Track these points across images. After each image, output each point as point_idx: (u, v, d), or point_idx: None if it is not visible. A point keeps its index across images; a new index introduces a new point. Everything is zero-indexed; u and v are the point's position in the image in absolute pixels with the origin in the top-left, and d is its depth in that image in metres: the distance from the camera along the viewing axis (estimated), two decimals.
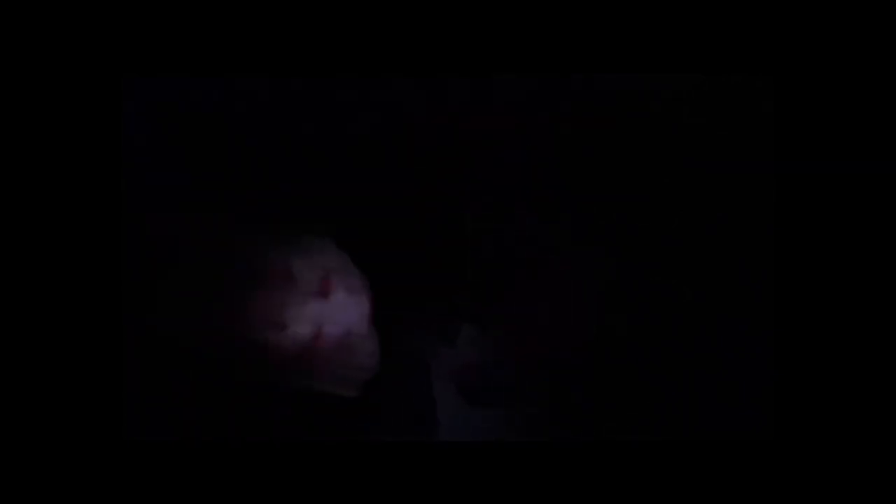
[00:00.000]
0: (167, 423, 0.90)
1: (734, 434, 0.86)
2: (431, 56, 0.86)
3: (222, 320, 1.00)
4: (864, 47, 0.76)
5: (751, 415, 0.86)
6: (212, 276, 1.03)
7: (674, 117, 1.02)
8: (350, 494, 0.84)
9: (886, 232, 0.74)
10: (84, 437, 0.71)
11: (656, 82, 0.97)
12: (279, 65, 0.86)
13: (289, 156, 1.09)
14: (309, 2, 0.83)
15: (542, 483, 0.85)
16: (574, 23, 0.84)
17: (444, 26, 0.85)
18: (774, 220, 0.76)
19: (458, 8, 0.84)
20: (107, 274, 0.73)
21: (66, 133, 0.73)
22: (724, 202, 1.01)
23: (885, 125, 0.75)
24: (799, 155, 0.76)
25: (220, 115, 1.07)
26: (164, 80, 0.93)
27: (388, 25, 0.84)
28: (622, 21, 0.83)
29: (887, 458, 0.71)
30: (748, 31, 0.81)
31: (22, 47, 0.73)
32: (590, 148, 1.05)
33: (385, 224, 1.08)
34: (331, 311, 0.90)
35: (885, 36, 0.75)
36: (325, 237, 0.99)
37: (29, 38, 0.73)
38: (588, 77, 0.95)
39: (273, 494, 0.83)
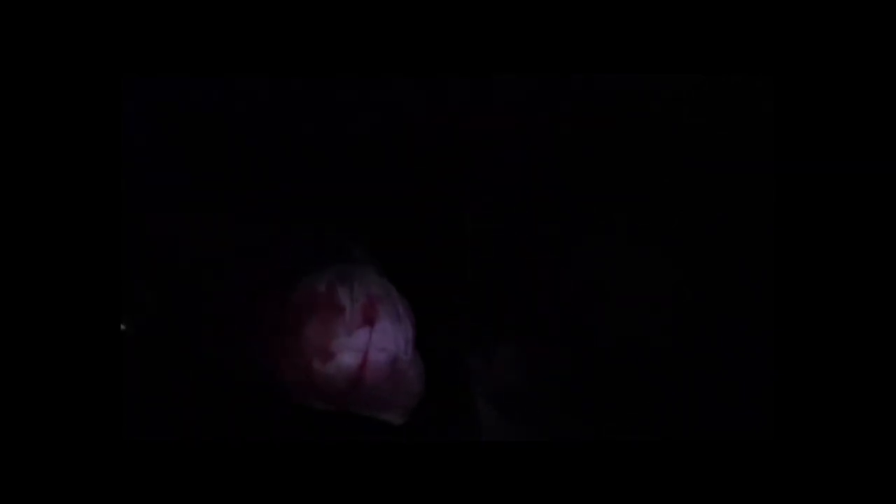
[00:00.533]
0: (167, 423, 0.90)
1: (734, 434, 0.86)
2: (431, 56, 0.86)
3: (223, 320, 1.00)
4: (864, 47, 0.76)
5: (751, 415, 0.86)
6: (212, 276, 1.04)
7: (674, 117, 1.02)
8: (348, 495, 0.84)
9: (886, 232, 0.74)
10: (84, 437, 0.71)
11: (656, 82, 0.97)
12: (279, 65, 0.86)
13: (289, 156, 1.09)
14: (309, 2, 0.83)
15: (542, 483, 0.85)
16: (574, 23, 0.84)
17: (444, 26, 0.84)
18: (774, 220, 0.76)
19: (458, 8, 0.84)
20: (107, 274, 0.73)
21: (66, 133, 0.73)
22: (724, 202, 1.01)
23: (885, 125, 0.75)
24: (799, 155, 0.76)
25: (220, 115, 1.07)
26: (164, 80, 0.93)
27: (388, 25, 0.84)
28: (622, 21, 0.83)
29: (887, 458, 0.71)
30: (748, 31, 0.81)
31: (22, 47, 0.73)
32: (590, 148, 1.05)
33: (385, 224, 1.08)
34: (376, 338, 0.91)
35: (885, 36, 0.75)
36: (367, 264, 1.00)
37: (29, 38, 0.73)
38: (588, 77, 0.95)
39: (273, 494, 0.83)
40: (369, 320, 0.91)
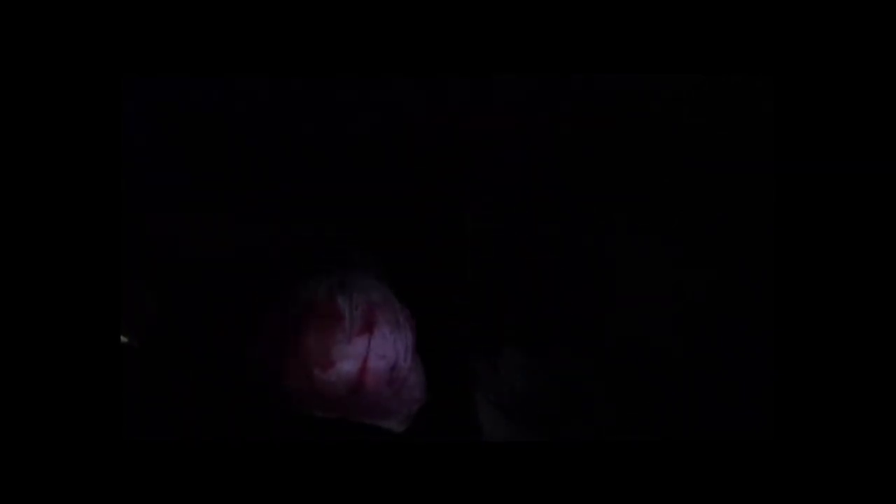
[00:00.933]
0: (167, 423, 0.90)
1: (734, 434, 0.86)
2: (431, 56, 0.86)
3: (222, 321, 1.00)
4: (864, 47, 0.76)
5: (751, 415, 0.86)
6: (212, 276, 1.04)
7: (674, 117, 1.02)
8: (347, 495, 0.84)
9: (886, 232, 0.74)
10: (84, 437, 0.71)
11: (656, 82, 0.97)
12: (279, 65, 0.86)
13: (289, 156, 1.09)
14: (309, 2, 0.83)
15: (542, 483, 0.85)
16: (574, 23, 0.84)
17: (444, 26, 0.84)
18: (774, 220, 0.76)
19: (458, 8, 0.84)
20: (107, 274, 0.73)
21: (66, 133, 0.73)
22: (724, 202, 1.01)
23: (885, 125, 0.75)
24: (799, 155, 0.76)
25: (220, 115, 1.07)
26: (164, 80, 0.93)
27: (388, 25, 0.84)
28: (622, 21, 0.83)
29: (887, 458, 0.71)
30: (748, 31, 0.81)
31: (22, 47, 0.73)
32: (590, 148, 1.05)
33: (385, 224, 1.08)
34: (375, 345, 0.90)
35: (885, 36, 0.75)
36: (367, 270, 0.99)
37: (29, 38, 0.73)
38: (588, 77, 0.95)
39: (273, 495, 0.83)
40: (368, 327, 0.91)
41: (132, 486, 0.74)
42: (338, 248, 1.04)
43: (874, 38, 0.76)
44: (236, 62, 0.85)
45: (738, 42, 0.81)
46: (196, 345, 0.99)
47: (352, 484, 0.84)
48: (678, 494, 0.82)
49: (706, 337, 1.01)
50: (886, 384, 0.73)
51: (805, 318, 0.75)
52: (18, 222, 0.72)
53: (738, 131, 0.99)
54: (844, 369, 0.73)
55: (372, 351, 0.91)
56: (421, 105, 1.04)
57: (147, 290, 1.02)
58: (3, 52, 0.73)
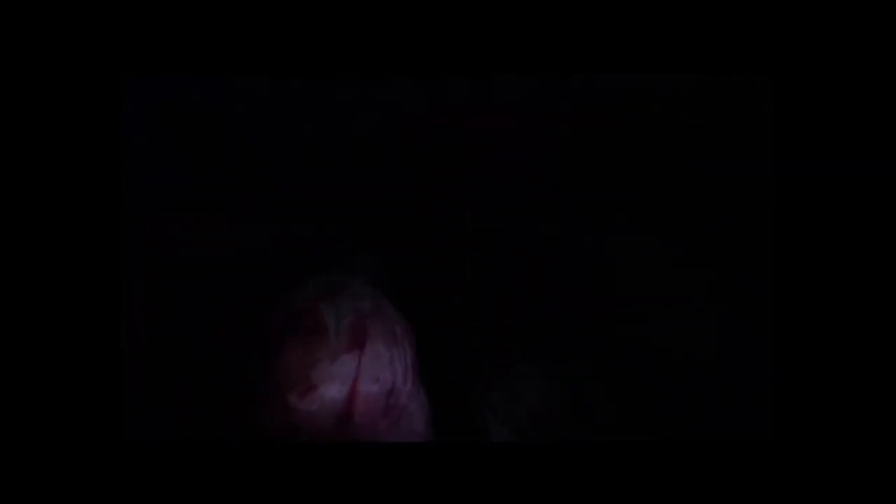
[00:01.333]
0: (167, 423, 0.90)
1: (734, 434, 0.86)
2: (431, 56, 0.86)
3: (222, 321, 1.00)
4: (864, 47, 0.76)
5: (751, 415, 0.86)
6: (212, 277, 1.04)
7: (674, 117, 1.02)
8: (347, 495, 0.84)
9: (886, 232, 0.74)
10: (84, 437, 0.71)
11: (656, 82, 0.97)
12: (279, 65, 0.86)
13: (289, 156, 1.09)
14: (309, 2, 0.83)
15: (543, 483, 0.85)
16: (574, 23, 0.84)
17: (444, 26, 0.84)
18: (774, 220, 0.76)
19: (458, 8, 0.84)
20: (107, 274, 0.73)
21: (66, 133, 0.73)
22: (724, 202, 1.02)
23: (885, 125, 0.75)
24: (799, 155, 0.76)
25: (220, 115, 1.07)
26: (164, 80, 0.93)
27: (388, 25, 0.84)
28: (622, 21, 0.83)
29: (887, 458, 0.72)
30: (748, 31, 0.81)
31: (22, 47, 0.73)
32: (590, 148, 1.05)
33: (385, 224, 1.08)
34: (366, 364, 0.77)
35: (885, 36, 0.75)
36: (358, 274, 0.87)
37: (29, 38, 0.73)
38: (588, 77, 0.95)
39: (272, 495, 0.83)
40: (358, 343, 0.77)
41: (132, 486, 0.74)
42: (338, 249, 1.03)
43: (874, 38, 0.76)
44: (236, 62, 0.85)
45: (738, 42, 0.81)
46: (196, 345, 0.99)
47: (352, 484, 0.84)
48: (678, 494, 0.82)
49: (706, 337, 1.01)
50: (886, 384, 0.73)
51: (805, 318, 0.75)
52: (19, 222, 0.72)
53: (738, 131, 0.99)
54: (844, 369, 0.73)
55: (362, 372, 0.77)
56: (421, 105, 1.04)
57: (147, 290, 1.02)
58: (4, 52, 0.73)
